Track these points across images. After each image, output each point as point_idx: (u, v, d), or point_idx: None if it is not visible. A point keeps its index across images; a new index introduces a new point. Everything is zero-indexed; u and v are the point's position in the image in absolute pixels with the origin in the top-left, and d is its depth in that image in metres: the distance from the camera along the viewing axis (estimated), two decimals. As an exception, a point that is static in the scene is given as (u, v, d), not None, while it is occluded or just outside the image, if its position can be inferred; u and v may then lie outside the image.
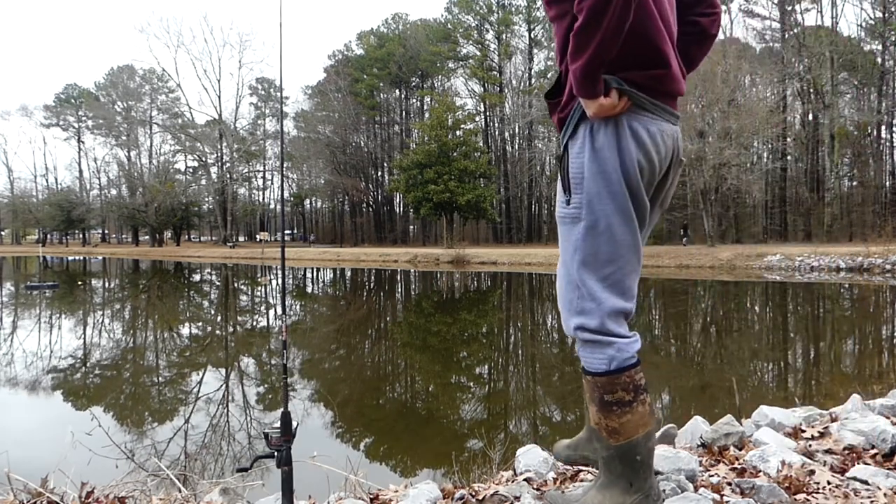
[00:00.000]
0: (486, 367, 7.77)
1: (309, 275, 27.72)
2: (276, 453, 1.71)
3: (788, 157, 41.13)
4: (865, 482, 1.80)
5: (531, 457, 2.07)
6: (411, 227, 63.39)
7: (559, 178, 1.50)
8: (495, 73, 54.82)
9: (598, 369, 1.46)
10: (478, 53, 55.42)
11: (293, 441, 1.72)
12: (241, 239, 70.86)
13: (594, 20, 1.26)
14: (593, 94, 1.36)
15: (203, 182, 66.85)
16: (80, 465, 2.31)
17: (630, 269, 1.48)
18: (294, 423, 1.74)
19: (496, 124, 56.47)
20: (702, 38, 1.64)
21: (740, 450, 2.15)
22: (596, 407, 1.49)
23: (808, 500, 1.69)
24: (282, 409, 1.74)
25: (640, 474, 1.48)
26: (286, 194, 65.06)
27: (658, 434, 2.32)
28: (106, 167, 71.33)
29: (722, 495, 1.71)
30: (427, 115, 52.85)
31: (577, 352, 1.53)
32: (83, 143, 72.81)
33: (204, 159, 65.94)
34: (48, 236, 78.47)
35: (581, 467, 2.03)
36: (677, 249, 28.80)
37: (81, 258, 48.48)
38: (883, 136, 41.13)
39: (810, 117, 41.14)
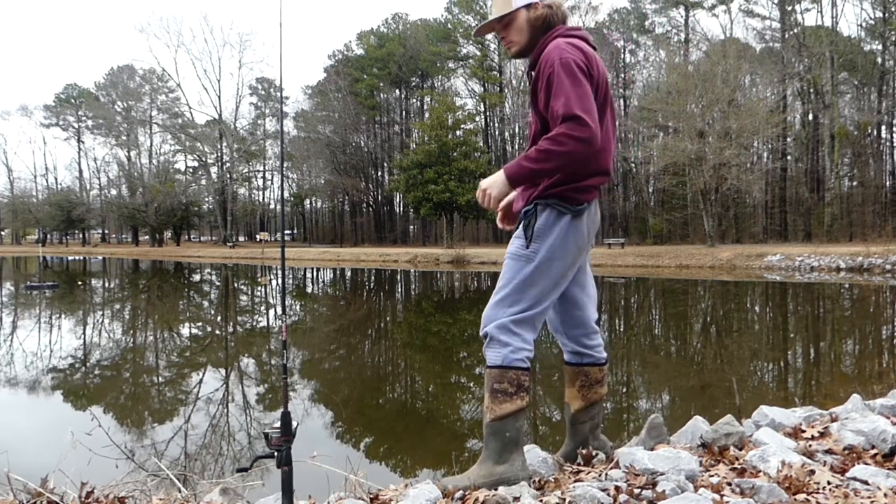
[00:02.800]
0: (486, 367, 7.76)
1: (309, 275, 27.72)
2: (276, 453, 1.71)
3: (788, 157, 41.09)
4: (865, 482, 1.80)
5: (531, 457, 2.07)
6: (411, 227, 63.31)
7: (522, 226, 1.94)
8: (495, 73, 54.77)
9: (493, 363, 1.89)
10: (478, 53, 55.36)
11: (293, 441, 1.73)
12: (241, 239, 70.79)
13: (543, 159, 1.76)
14: (513, 186, 1.88)
15: (203, 182, 66.80)
16: (80, 465, 2.31)
17: (546, 308, 1.94)
18: (294, 423, 1.74)
19: (496, 124, 56.44)
20: None
21: (740, 450, 2.15)
22: (488, 393, 1.90)
23: (808, 500, 1.69)
24: (282, 409, 1.75)
25: (508, 448, 1.87)
26: (286, 194, 65.05)
27: (658, 435, 2.33)
28: (106, 167, 71.36)
29: (722, 495, 1.71)
30: (427, 115, 52.73)
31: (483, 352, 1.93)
32: (83, 143, 72.85)
33: (204, 159, 65.92)
34: (48, 236, 78.44)
35: (581, 468, 2.04)
36: (677, 249, 28.79)
37: (81, 258, 48.48)
38: (883, 136, 41.13)
39: (810, 117, 41.11)
